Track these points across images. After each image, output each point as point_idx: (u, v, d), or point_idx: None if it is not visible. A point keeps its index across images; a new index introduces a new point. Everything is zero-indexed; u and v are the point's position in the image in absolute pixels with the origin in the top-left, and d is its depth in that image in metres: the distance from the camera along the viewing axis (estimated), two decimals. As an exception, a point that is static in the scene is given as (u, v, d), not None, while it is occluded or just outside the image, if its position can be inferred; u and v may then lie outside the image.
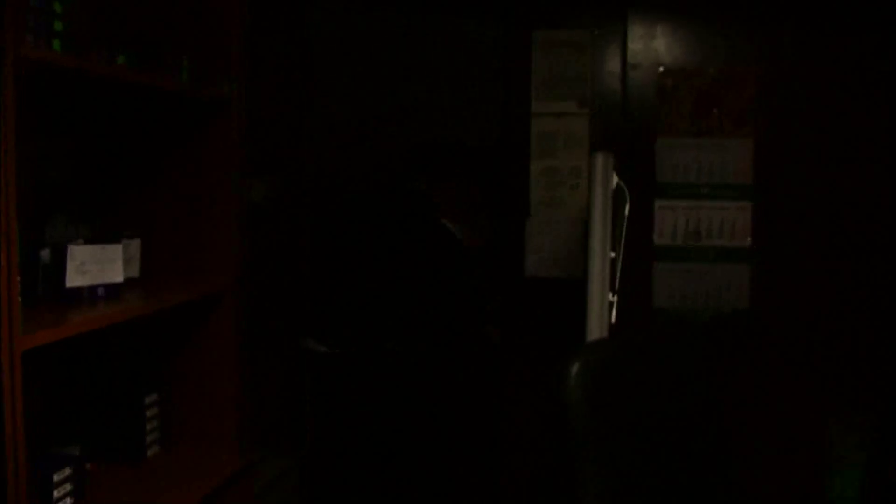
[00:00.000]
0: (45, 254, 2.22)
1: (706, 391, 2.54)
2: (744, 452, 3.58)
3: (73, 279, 2.20)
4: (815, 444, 3.66)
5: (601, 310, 2.63)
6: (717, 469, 2.47)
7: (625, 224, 2.73)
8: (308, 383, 3.65)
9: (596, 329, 2.63)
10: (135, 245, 2.65)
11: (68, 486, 2.23)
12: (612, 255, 2.69)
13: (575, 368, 2.06)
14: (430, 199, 3.62)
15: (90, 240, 2.35)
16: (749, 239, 3.69)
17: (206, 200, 2.78)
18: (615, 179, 2.69)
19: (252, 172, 3.45)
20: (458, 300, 3.61)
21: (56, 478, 2.19)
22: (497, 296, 3.83)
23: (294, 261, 3.84)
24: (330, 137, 3.98)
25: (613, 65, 3.78)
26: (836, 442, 3.63)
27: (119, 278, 2.34)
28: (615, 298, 2.70)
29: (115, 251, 2.33)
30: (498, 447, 3.84)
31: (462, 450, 3.81)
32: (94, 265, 2.27)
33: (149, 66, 2.39)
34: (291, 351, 3.67)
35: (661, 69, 3.71)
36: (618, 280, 2.71)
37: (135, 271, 2.63)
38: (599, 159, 2.69)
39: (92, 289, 2.26)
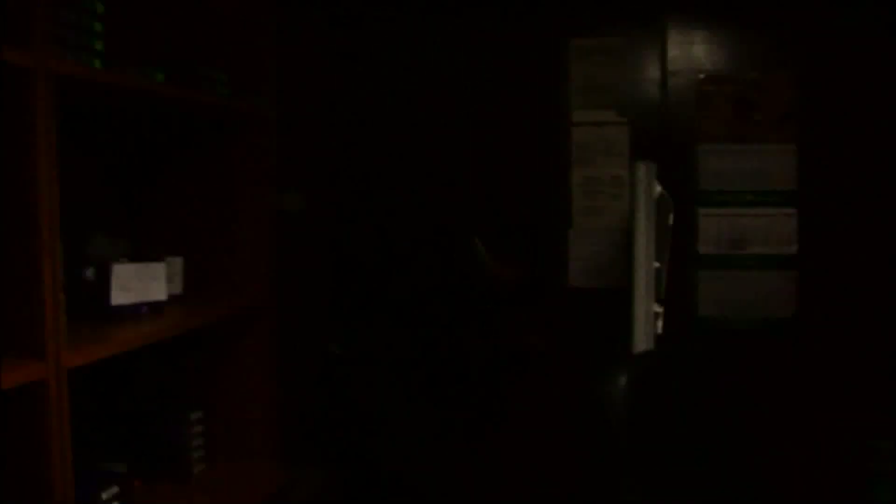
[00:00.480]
0: (90, 272, 2.24)
1: (748, 403, 2.51)
2: (786, 461, 3.51)
3: (118, 297, 2.21)
4: (859, 455, 3.58)
5: (647, 320, 2.60)
6: (763, 481, 2.43)
7: (670, 234, 2.70)
8: (326, 385, 3.63)
9: (642, 339, 2.60)
10: (177, 263, 2.66)
11: (115, 504, 2.24)
12: (657, 264, 2.66)
13: (622, 381, 2.03)
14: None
15: (133, 257, 2.37)
16: (795, 246, 3.63)
17: (242, 214, 2.79)
18: (658, 189, 2.66)
19: (287, 185, 3.47)
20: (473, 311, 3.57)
21: (104, 496, 2.19)
22: (539, 305, 3.79)
23: (327, 271, 3.83)
24: (363, 147, 3.97)
25: (652, 72, 3.74)
26: (878, 452, 3.55)
27: (162, 296, 2.35)
28: (661, 309, 2.66)
29: (158, 269, 2.34)
30: (533, 452, 3.80)
31: (495, 456, 3.78)
32: (138, 283, 2.28)
33: (186, 82, 2.40)
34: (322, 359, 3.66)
35: (701, 76, 3.67)
36: (664, 290, 2.67)
37: (177, 288, 2.64)
38: (641, 169, 2.66)
39: (136, 307, 2.27)
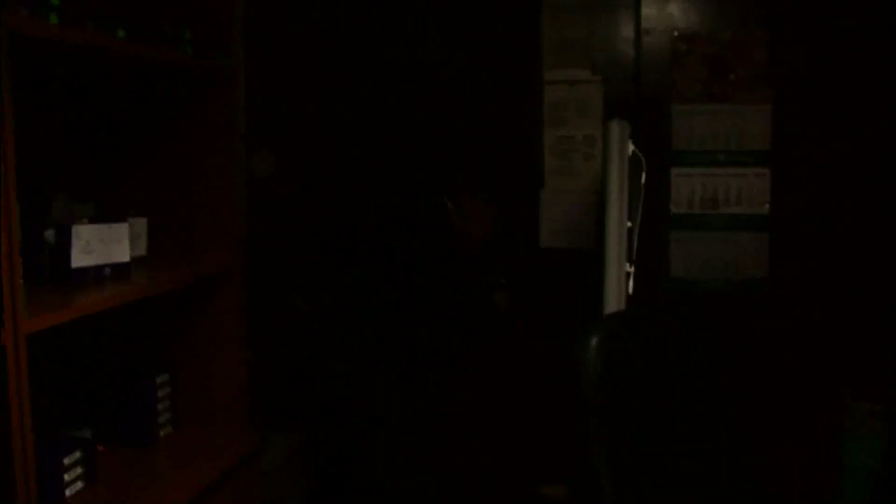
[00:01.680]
0: (50, 234, 2.18)
1: (720, 364, 2.50)
2: (758, 422, 3.53)
3: (79, 259, 2.16)
4: (830, 414, 3.61)
5: (618, 281, 2.58)
6: (729, 441, 2.43)
7: (642, 193, 2.68)
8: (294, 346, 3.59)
9: (613, 300, 2.58)
10: (141, 223, 2.60)
11: (79, 470, 2.20)
12: (629, 225, 2.64)
13: (593, 341, 2.01)
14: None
15: (95, 219, 2.31)
16: (767, 206, 3.62)
17: (210, 176, 2.73)
18: (631, 148, 2.63)
19: (256, 148, 3.41)
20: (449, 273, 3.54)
21: (66, 461, 2.16)
22: (509, 266, 3.76)
23: (296, 235, 3.79)
24: (335, 111, 3.91)
25: (626, 30, 3.70)
26: (852, 412, 3.57)
27: (125, 258, 2.29)
28: (632, 269, 2.64)
29: (121, 230, 2.29)
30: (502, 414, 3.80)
31: (464, 416, 3.77)
32: (100, 245, 2.22)
33: (148, 39, 2.33)
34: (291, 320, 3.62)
35: (676, 34, 3.63)
36: (635, 251, 2.65)
37: (142, 250, 2.59)
38: (614, 128, 2.63)
39: (98, 269, 2.22)
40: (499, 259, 3.71)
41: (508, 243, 3.77)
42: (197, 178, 2.75)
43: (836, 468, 3.58)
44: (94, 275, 2.21)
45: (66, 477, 2.15)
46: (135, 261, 2.44)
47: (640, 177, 2.68)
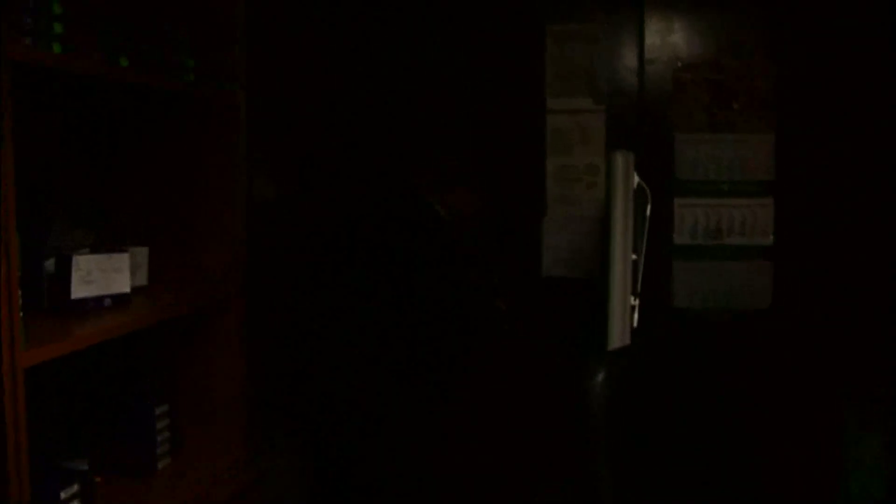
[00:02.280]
0: (50, 264, 2.16)
1: (728, 395, 2.49)
2: (762, 451, 3.50)
3: (79, 290, 2.13)
4: (834, 443, 3.58)
5: (623, 314, 2.55)
6: (740, 473, 2.41)
7: (647, 226, 2.65)
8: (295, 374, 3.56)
9: (618, 333, 2.55)
10: (142, 253, 2.58)
11: (76, 503, 2.17)
12: (634, 257, 2.62)
13: (600, 377, 1.99)
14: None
15: (95, 248, 2.28)
16: (771, 237, 3.60)
17: (212, 202, 2.71)
18: (636, 180, 2.61)
19: (259, 174, 3.39)
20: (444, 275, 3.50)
21: (63, 495, 2.12)
22: (510, 294, 3.74)
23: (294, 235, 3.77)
24: (335, 132, 3.89)
25: (629, 60, 3.69)
26: (855, 441, 3.54)
27: (126, 289, 2.27)
28: (637, 301, 2.62)
29: (122, 260, 2.27)
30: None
31: (463, 418, 3.73)
32: (100, 275, 2.20)
33: (152, 67, 2.32)
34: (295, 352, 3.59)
35: (679, 64, 3.62)
36: (640, 283, 2.63)
37: (142, 279, 2.57)
38: (619, 159, 2.61)
39: (98, 299, 2.20)
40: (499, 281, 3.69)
41: (510, 271, 3.75)
42: (198, 204, 2.73)
43: (843, 499, 3.56)
44: (94, 305, 2.18)
45: (63, 510, 2.12)
46: (136, 290, 2.42)
47: (645, 208, 2.66)
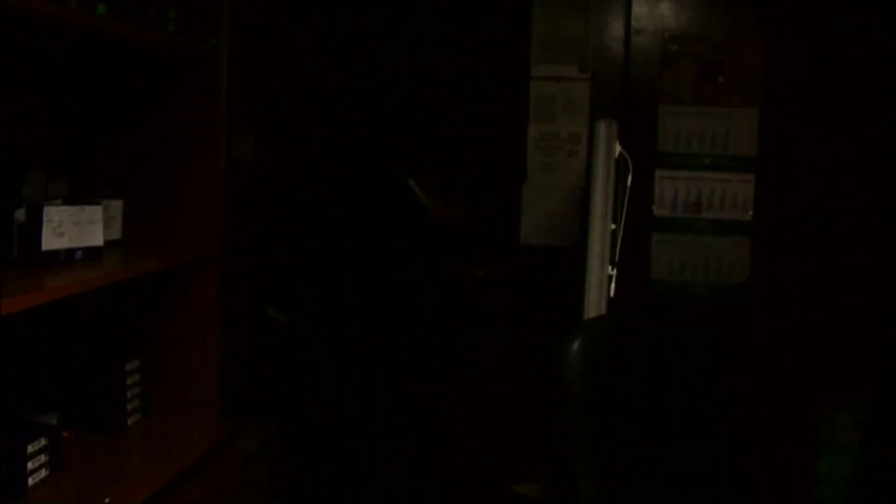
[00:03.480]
0: (20, 214, 2.12)
1: (704, 370, 2.48)
2: (735, 427, 3.51)
3: (50, 242, 2.10)
4: (806, 423, 3.60)
5: (600, 283, 2.55)
6: (713, 448, 2.41)
7: (626, 195, 2.64)
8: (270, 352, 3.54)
9: (594, 303, 2.55)
10: (116, 205, 2.54)
11: (43, 458, 2.15)
12: (612, 227, 2.60)
13: (575, 346, 1.98)
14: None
15: (68, 199, 2.25)
16: (750, 212, 3.60)
17: (191, 158, 2.67)
18: (618, 149, 2.59)
19: (239, 130, 3.35)
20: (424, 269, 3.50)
21: (30, 449, 2.10)
22: (489, 263, 3.73)
23: (275, 224, 3.74)
24: (318, 94, 3.85)
25: (616, 29, 3.66)
26: (827, 421, 3.57)
27: (99, 241, 2.24)
28: (614, 272, 2.61)
29: (95, 212, 2.23)
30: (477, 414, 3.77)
31: (441, 411, 3.73)
32: (73, 227, 2.16)
33: (130, 16, 2.27)
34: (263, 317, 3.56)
35: (667, 34, 3.60)
36: (618, 253, 2.62)
37: (117, 233, 2.53)
38: (602, 127, 2.59)
39: (70, 252, 2.16)
40: (478, 247, 3.67)
41: (488, 238, 3.74)
42: (177, 161, 2.69)
43: (812, 476, 3.59)
44: (66, 258, 2.15)
45: (31, 465, 2.10)
46: (109, 244, 2.39)
47: (626, 178, 2.64)
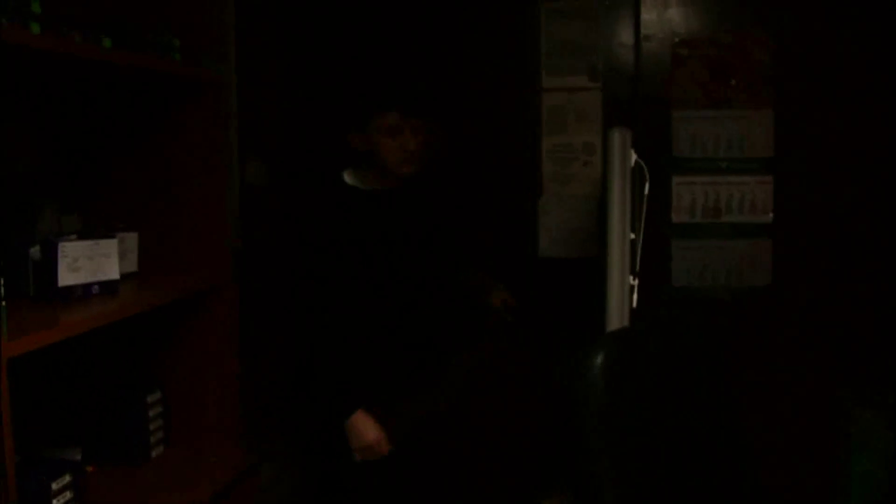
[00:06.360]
0: (35, 251, 2.11)
1: (728, 380, 2.45)
2: (762, 430, 3.46)
3: (66, 278, 2.09)
4: (836, 423, 3.54)
5: (621, 294, 2.51)
6: (735, 457, 2.37)
7: (644, 204, 2.61)
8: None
9: (616, 314, 2.52)
10: (132, 238, 2.53)
11: (68, 494, 2.13)
12: (632, 236, 2.57)
13: (598, 360, 1.95)
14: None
15: (83, 234, 2.24)
16: (771, 214, 3.56)
17: (201, 187, 2.66)
18: (633, 157, 2.56)
19: (249, 157, 3.33)
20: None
21: (55, 486, 2.08)
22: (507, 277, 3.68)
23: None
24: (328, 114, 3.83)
25: (625, 36, 3.63)
26: (858, 421, 3.51)
27: (115, 275, 2.23)
28: (636, 282, 2.58)
29: (110, 246, 2.22)
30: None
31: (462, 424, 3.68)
32: (88, 262, 2.15)
33: (136, 47, 2.26)
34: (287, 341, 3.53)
35: (676, 39, 3.57)
36: (638, 262, 2.59)
37: (132, 266, 2.52)
38: (616, 136, 2.56)
39: (86, 287, 2.15)
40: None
41: (506, 253, 3.71)
42: (188, 189, 2.68)
43: (845, 478, 3.52)
44: (82, 293, 2.14)
45: (55, 502, 2.08)
46: (125, 277, 2.37)
47: (643, 187, 2.61)
